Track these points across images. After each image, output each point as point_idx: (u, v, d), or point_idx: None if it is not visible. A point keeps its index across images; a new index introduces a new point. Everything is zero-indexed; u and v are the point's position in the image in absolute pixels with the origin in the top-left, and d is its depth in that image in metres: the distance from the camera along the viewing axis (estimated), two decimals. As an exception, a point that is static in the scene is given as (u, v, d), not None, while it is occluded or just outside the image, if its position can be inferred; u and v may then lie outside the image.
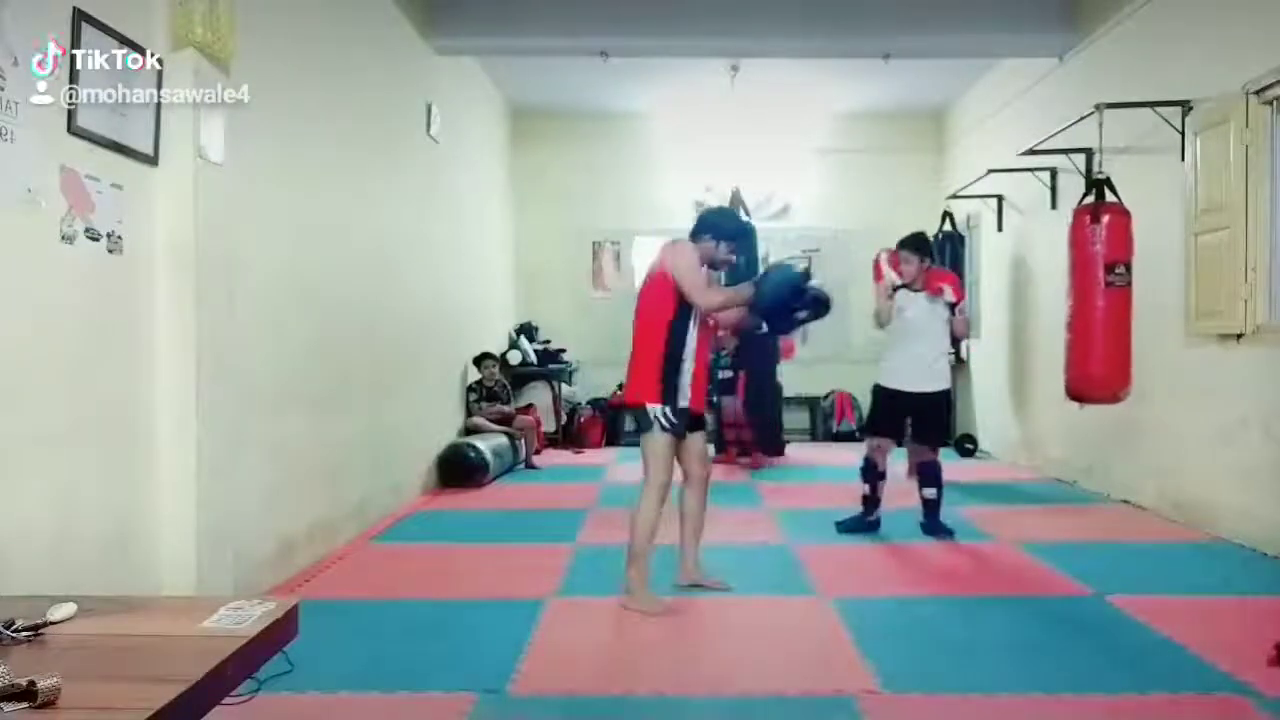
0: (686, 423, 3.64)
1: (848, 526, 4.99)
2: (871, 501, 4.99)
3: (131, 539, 3.13)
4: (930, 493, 4.95)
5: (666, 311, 3.58)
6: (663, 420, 3.55)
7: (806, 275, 3.79)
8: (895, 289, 4.94)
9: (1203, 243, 4.93)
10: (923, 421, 5.00)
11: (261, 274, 3.91)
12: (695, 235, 3.76)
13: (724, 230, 3.76)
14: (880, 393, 5.04)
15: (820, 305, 3.70)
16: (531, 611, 3.59)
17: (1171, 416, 5.32)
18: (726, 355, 7.54)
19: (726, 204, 8.49)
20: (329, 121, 4.75)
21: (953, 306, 4.83)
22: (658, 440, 3.58)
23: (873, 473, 4.96)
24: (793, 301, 3.64)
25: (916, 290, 4.87)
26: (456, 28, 6.53)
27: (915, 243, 4.95)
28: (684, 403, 3.60)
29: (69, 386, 2.85)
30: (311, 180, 4.52)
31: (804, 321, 3.77)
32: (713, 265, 3.78)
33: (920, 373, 4.85)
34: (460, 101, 7.43)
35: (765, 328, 4.02)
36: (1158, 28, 5.50)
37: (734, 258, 3.88)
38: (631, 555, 3.60)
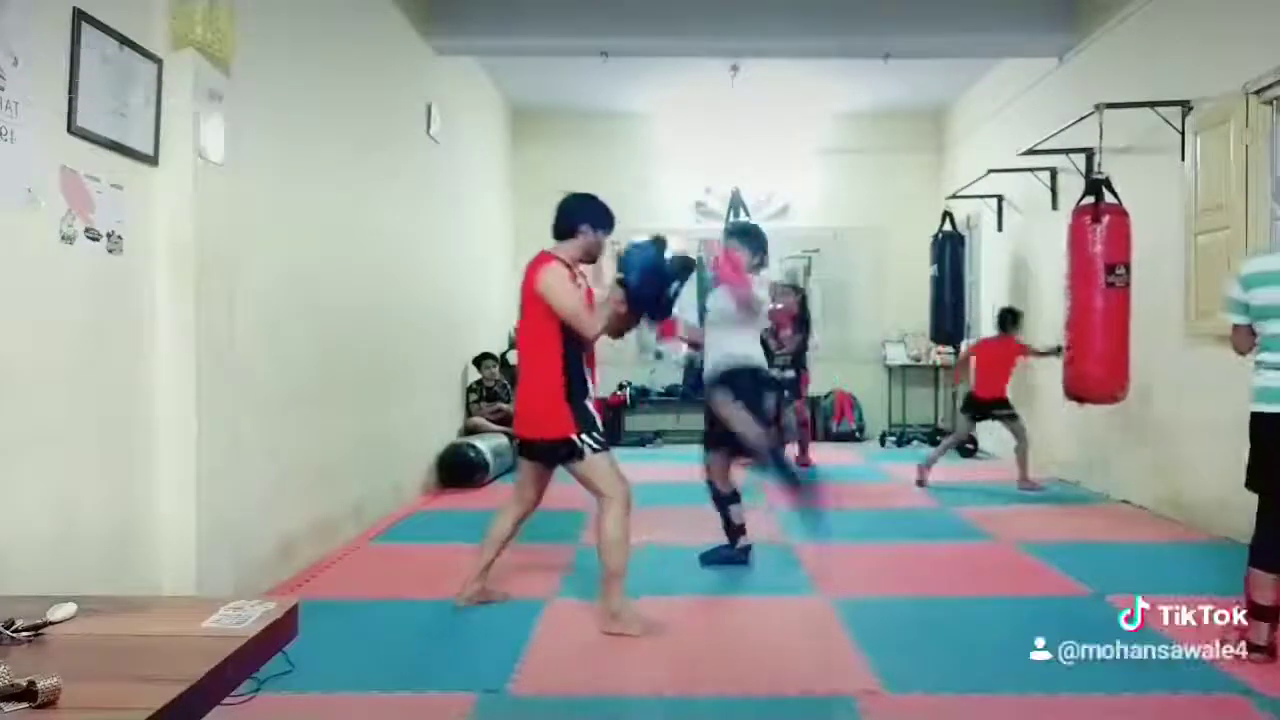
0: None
1: (711, 559, 4.28)
2: (734, 530, 4.28)
3: (131, 539, 3.13)
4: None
5: (553, 337, 3.33)
6: (593, 443, 3.35)
7: (660, 245, 3.41)
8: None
9: (1203, 243, 4.94)
10: (714, 425, 4.24)
11: (261, 274, 3.91)
12: (571, 230, 3.46)
13: (595, 213, 3.49)
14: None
15: (686, 271, 3.44)
16: (531, 611, 3.59)
17: (1171, 416, 5.32)
18: (785, 354, 7.09)
19: (726, 204, 8.52)
20: (329, 121, 4.75)
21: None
22: (598, 460, 3.35)
23: (718, 498, 4.27)
24: (662, 281, 3.38)
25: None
26: (456, 28, 6.53)
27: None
28: (599, 422, 3.43)
29: (69, 387, 2.85)
30: (311, 180, 4.51)
31: (677, 294, 3.47)
32: (591, 259, 3.52)
33: (710, 371, 4.19)
34: (460, 101, 7.43)
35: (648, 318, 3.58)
36: (1158, 28, 5.50)
37: (606, 240, 3.54)
38: (612, 577, 3.35)
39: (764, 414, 4.14)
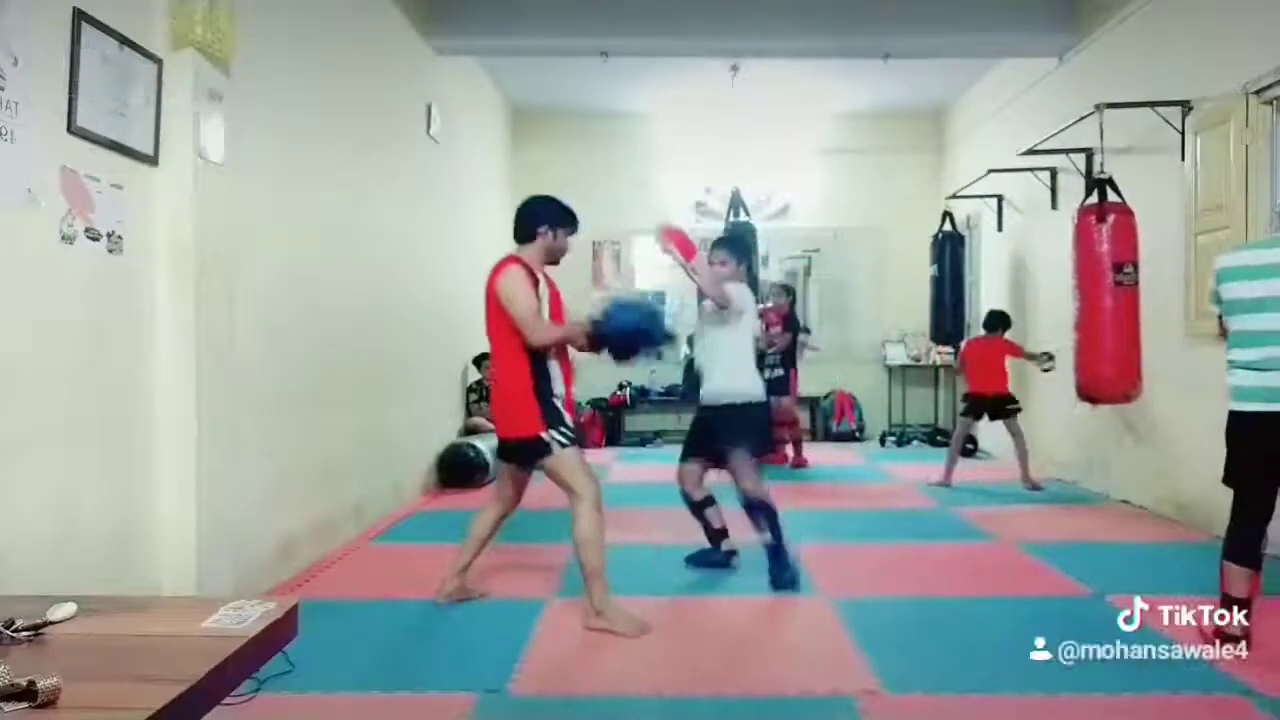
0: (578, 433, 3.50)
1: (695, 561, 4.29)
2: (715, 534, 4.26)
3: (131, 539, 3.13)
4: (764, 536, 4.01)
5: (517, 338, 3.39)
6: (561, 438, 3.39)
7: (651, 314, 3.55)
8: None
9: (1203, 243, 4.93)
10: (699, 443, 4.26)
11: (261, 274, 3.91)
12: (530, 234, 3.51)
13: (553, 214, 3.53)
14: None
15: (664, 341, 3.56)
16: (531, 611, 3.59)
17: (1171, 416, 5.32)
18: (775, 353, 7.15)
19: (726, 204, 8.52)
20: (329, 121, 4.75)
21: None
22: (567, 456, 3.40)
23: (692, 504, 4.26)
24: (637, 343, 3.49)
25: None
26: (456, 28, 6.53)
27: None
28: (569, 419, 3.45)
29: (69, 387, 2.85)
30: (311, 180, 4.52)
31: (644, 354, 3.59)
32: (554, 260, 3.57)
33: (713, 397, 4.13)
34: (460, 101, 7.43)
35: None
36: (1158, 28, 5.50)
37: (571, 239, 3.60)
38: (591, 574, 3.37)
39: (765, 447, 4.19)
